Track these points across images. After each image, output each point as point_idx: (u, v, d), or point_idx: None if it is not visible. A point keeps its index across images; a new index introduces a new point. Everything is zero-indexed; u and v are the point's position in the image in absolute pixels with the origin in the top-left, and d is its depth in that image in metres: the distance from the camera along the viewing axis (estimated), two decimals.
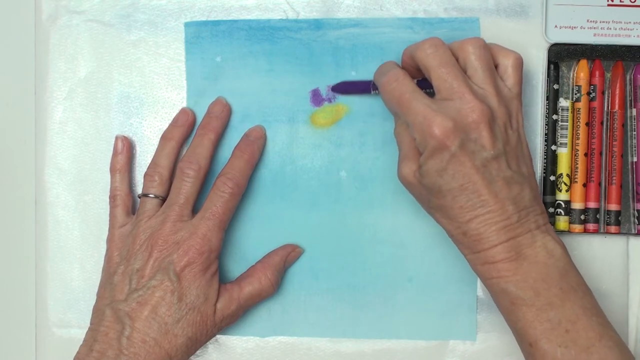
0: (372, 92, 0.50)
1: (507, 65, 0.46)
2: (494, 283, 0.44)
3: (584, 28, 0.51)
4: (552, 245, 0.44)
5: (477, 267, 0.45)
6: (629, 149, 0.52)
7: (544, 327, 0.43)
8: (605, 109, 0.52)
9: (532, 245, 0.43)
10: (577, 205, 0.51)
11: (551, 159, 0.52)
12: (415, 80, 0.47)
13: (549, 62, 0.52)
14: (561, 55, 0.51)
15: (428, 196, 0.45)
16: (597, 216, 0.51)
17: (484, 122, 0.43)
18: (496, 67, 0.46)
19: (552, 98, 0.52)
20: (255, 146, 0.51)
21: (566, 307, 0.43)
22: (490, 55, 0.46)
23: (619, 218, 0.51)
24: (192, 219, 0.48)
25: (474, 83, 0.45)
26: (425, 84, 0.47)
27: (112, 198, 0.51)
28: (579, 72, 0.51)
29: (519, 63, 0.46)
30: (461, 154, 0.43)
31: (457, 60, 0.45)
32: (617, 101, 0.51)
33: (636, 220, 0.51)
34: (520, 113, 0.46)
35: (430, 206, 0.46)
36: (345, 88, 0.52)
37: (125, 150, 0.52)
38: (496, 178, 0.43)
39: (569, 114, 0.51)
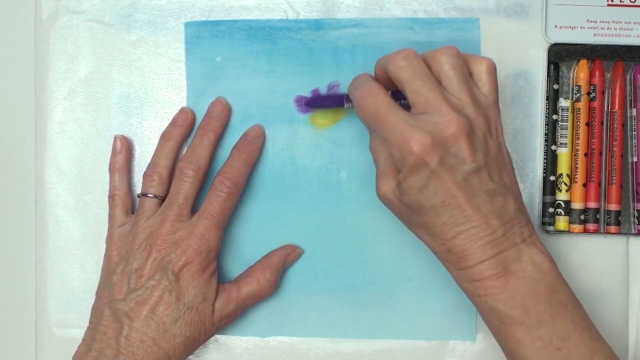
0: (346, 106, 0.49)
1: (480, 71, 0.44)
2: (481, 301, 0.43)
3: (584, 28, 0.51)
4: (540, 258, 0.42)
5: (464, 285, 0.43)
6: (629, 149, 0.52)
7: (535, 346, 0.41)
8: (605, 109, 0.52)
9: (519, 259, 0.42)
10: (577, 205, 0.51)
11: (551, 159, 0.52)
12: (390, 92, 0.46)
13: (549, 62, 0.52)
14: (561, 55, 0.51)
15: (409, 214, 0.43)
16: (597, 216, 0.51)
17: (462, 134, 0.41)
18: (470, 75, 0.44)
19: (552, 98, 0.52)
20: (254, 145, 0.51)
21: (556, 324, 0.41)
22: (464, 64, 0.44)
23: (619, 218, 0.51)
24: (191, 218, 0.48)
25: (450, 94, 0.43)
26: (400, 95, 0.45)
27: (111, 198, 0.51)
28: (579, 72, 0.51)
29: (492, 68, 0.44)
30: (441, 170, 0.41)
31: (430, 70, 0.43)
32: (617, 101, 0.51)
33: (636, 220, 0.51)
34: (499, 121, 0.44)
35: (412, 223, 0.44)
36: (320, 102, 0.51)
37: (124, 150, 0.52)
38: (478, 192, 0.41)
39: (569, 114, 0.51)
